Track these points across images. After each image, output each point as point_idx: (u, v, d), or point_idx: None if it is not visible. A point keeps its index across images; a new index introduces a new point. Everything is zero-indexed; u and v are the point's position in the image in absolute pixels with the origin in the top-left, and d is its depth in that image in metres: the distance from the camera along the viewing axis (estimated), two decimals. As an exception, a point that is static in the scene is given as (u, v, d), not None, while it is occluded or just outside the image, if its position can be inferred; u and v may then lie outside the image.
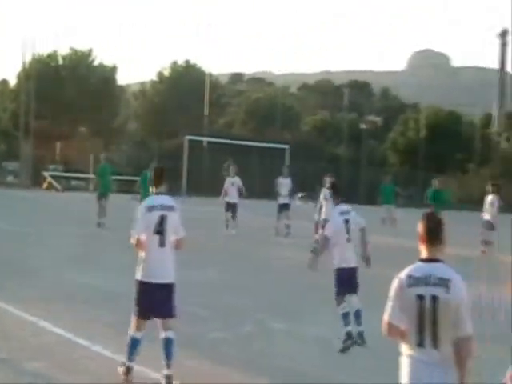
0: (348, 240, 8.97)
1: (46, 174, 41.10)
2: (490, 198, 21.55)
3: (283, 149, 47.79)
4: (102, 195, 20.79)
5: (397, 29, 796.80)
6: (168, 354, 6.63)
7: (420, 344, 4.31)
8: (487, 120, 72.38)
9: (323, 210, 18.00)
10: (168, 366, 6.60)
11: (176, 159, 43.02)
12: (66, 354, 7.59)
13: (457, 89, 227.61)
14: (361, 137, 55.43)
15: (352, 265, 8.98)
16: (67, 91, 48.15)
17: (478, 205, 40.37)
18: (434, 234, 4.47)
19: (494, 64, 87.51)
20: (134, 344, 6.77)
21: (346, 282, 8.90)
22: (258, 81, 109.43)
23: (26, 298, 10.21)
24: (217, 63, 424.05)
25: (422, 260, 4.45)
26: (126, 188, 38.54)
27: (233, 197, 21.79)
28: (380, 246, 21.65)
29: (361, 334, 8.63)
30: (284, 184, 22.24)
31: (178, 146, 46.18)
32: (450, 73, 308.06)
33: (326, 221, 17.66)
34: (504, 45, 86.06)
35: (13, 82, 53.80)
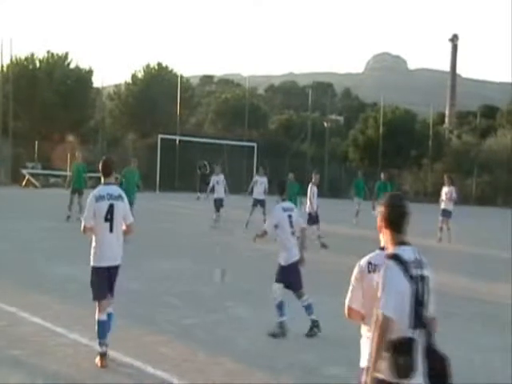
0: (292, 233, 9.01)
1: (24, 171, 40.80)
2: (446, 189, 22.07)
3: (252, 146, 47.78)
4: (76, 191, 21.02)
5: (357, 33, 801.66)
6: (109, 327, 7.04)
7: (379, 327, 4.30)
8: (440, 118, 73.24)
9: (311, 204, 18.28)
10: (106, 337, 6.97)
11: (150, 157, 42.83)
12: (45, 343, 7.51)
13: (412, 89, 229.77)
14: (324, 134, 55.59)
15: (296, 259, 8.94)
16: (44, 93, 47.77)
17: (432, 197, 40.83)
18: (396, 222, 4.46)
19: (446, 67, 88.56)
20: (101, 326, 6.94)
21: (289, 276, 8.83)
22: (227, 82, 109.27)
23: (4, 290, 10.07)
24: (188, 66, 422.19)
25: (381, 248, 4.45)
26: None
27: (220, 193, 22.37)
28: (346, 235, 21.93)
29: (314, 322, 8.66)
30: (260, 182, 22.56)
31: (151, 144, 45.92)
32: (405, 74, 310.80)
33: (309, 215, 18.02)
34: (455, 49, 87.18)
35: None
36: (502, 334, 9.36)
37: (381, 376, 3.93)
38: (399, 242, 4.21)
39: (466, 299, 12.14)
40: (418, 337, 4.00)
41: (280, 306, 8.66)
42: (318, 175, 19.18)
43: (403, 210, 4.32)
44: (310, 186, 18.82)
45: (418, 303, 4.04)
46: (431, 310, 4.14)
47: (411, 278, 4.03)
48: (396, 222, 4.27)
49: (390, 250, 4.19)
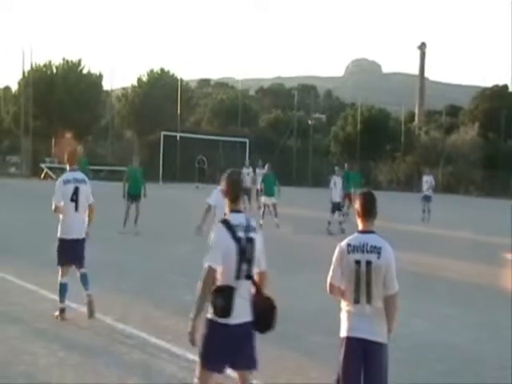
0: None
1: (43, 165, 40.77)
2: (425, 178, 24.36)
3: (244, 142, 47.69)
4: None
5: (337, 41, 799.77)
6: (85, 284, 7.42)
7: (356, 301, 4.35)
8: (410, 117, 73.13)
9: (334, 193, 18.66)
10: (86, 289, 7.42)
11: (153, 152, 42.74)
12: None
13: (386, 91, 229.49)
14: (308, 131, 55.57)
15: None
16: (60, 96, 47.74)
17: (404, 185, 40.98)
18: (369, 210, 4.50)
19: (416, 71, 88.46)
20: (63, 288, 7.38)
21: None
22: (222, 85, 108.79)
23: (26, 271, 10.05)
24: (187, 70, 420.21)
25: (359, 231, 4.48)
26: (110, 176, 38.17)
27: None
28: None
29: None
30: (246, 173, 22.91)
31: (155, 140, 45.78)
32: (380, 78, 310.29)
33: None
34: (423, 55, 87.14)
35: (14, 87, 53.46)
36: (463, 306, 9.44)
37: (209, 316, 4.27)
38: (233, 210, 4.46)
39: (429, 275, 12.20)
40: (241, 286, 4.25)
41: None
42: (341, 170, 20.03)
43: (367, 203, 4.47)
44: (332, 177, 19.00)
45: (243, 259, 4.27)
46: (261, 265, 4.42)
47: (237, 238, 4.26)
48: (232, 194, 4.48)
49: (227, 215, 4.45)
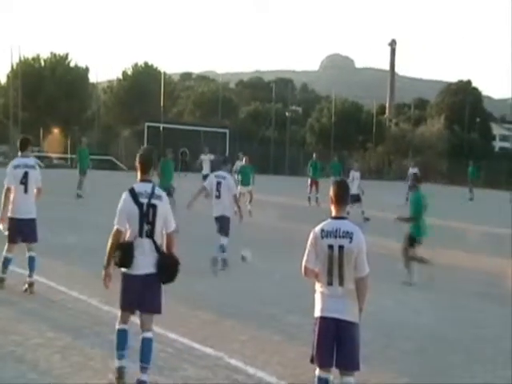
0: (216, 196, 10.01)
1: (31, 154, 40.22)
2: (411, 170, 25.28)
3: (224, 132, 47.54)
4: (83, 172, 20.49)
5: (312, 37, 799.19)
6: (31, 269, 7.65)
7: (329, 283, 4.38)
8: (381, 109, 73.41)
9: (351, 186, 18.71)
10: (30, 276, 7.65)
11: (137, 141, 42.37)
12: (50, 298, 7.47)
13: (358, 85, 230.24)
14: (285, 122, 55.57)
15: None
16: (48, 88, 47.14)
17: (375, 174, 41.17)
18: (341, 198, 4.52)
19: (386, 66, 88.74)
20: (7, 261, 7.70)
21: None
22: (203, 78, 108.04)
23: (17, 256, 9.91)
24: (170, 64, 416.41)
25: (332, 217, 4.49)
26: (96, 165, 37.77)
27: (207, 170, 23.75)
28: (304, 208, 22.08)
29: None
30: (205, 160, 23.92)
31: (139, 131, 45.41)
32: (353, 72, 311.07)
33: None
34: (393, 51, 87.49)
35: (3, 80, 52.67)
36: (428, 288, 9.55)
37: (122, 270, 4.98)
38: (141, 180, 5.01)
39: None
40: (144, 243, 4.87)
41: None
42: (357, 163, 21.54)
43: (340, 190, 4.53)
44: (351, 172, 19.50)
45: (145, 221, 4.88)
46: (168, 227, 4.99)
47: (139, 204, 4.87)
48: (141, 167, 5.03)
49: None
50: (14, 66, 46.18)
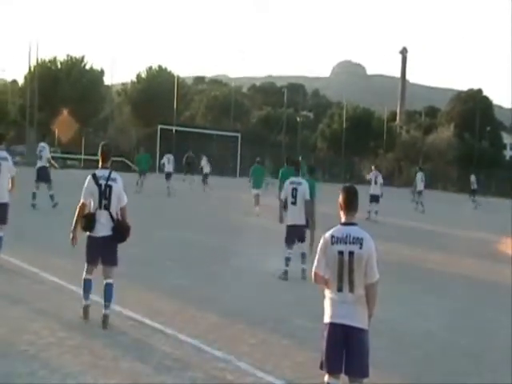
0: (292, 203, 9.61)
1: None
2: (419, 174, 26.03)
3: (236, 136, 47.58)
4: (142, 173, 24.48)
5: (324, 43, 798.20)
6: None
7: (339, 289, 4.34)
8: (392, 116, 73.28)
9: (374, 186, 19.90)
10: None
11: (150, 143, 42.51)
12: (61, 297, 7.47)
13: (370, 92, 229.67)
14: (297, 127, 55.57)
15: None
16: (64, 90, 47.50)
17: (385, 181, 41.04)
18: (351, 204, 4.48)
19: (397, 73, 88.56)
20: None
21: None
22: (216, 82, 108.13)
23: (29, 254, 9.97)
24: (183, 67, 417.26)
25: (342, 224, 4.46)
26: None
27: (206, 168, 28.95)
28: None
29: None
30: (166, 158, 25.67)
31: (152, 133, 45.55)
32: (364, 79, 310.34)
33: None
34: (404, 59, 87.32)
35: (20, 81, 53.14)
36: (439, 295, 9.47)
37: (87, 233, 6.51)
38: (101, 167, 6.55)
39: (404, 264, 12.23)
40: (102, 214, 6.41)
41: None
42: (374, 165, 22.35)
43: (349, 196, 4.50)
44: (373, 173, 20.24)
45: (103, 197, 6.40)
46: (121, 202, 6.48)
47: (99, 184, 6.41)
48: (101, 158, 6.62)
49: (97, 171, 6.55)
50: (32, 69, 46.62)
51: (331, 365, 4.32)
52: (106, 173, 6.50)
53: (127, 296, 7.68)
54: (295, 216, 9.44)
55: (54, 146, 42.96)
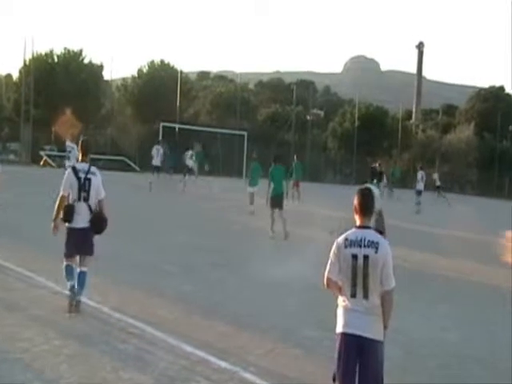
0: None
1: (42, 153, 40.58)
2: (420, 173, 26.65)
3: (242, 135, 47.55)
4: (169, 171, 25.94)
5: (336, 37, 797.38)
6: None
7: (353, 295, 4.31)
8: (407, 115, 73.06)
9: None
10: None
11: (152, 142, 42.52)
12: (57, 303, 7.45)
13: (383, 88, 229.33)
14: (306, 126, 55.54)
15: None
16: (61, 85, 47.51)
17: (399, 183, 40.99)
18: (366, 207, 4.46)
19: (413, 69, 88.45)
20: None
21: None
22: (221, 78, 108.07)
23: (23, 257, 9.99)
24: (187, 62, 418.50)
25: (357, 227, 4.44)
26: (109, 165, 37.97)
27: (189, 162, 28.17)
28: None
29: None
30: (156, 149, 26.36)
31: (153, 131, 45.59)
32: (378, 75, 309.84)
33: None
34: (421, 54, 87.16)
35: (15, 75, 53.21)
36: (456, 303, 9.42)
37: (66, 224, 7.12)
38: (81, 161, 7.30)
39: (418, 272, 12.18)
40: (81, 206, 7.07)
41: None
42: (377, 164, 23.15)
43: (364, 199, 4.46)
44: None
45: (82, 190, 7.09)
46: (100, 195, 7.19)
47: (78, 177, 7.10)
48: (81, 152, 7.42)
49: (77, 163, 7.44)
50: (27, 62, 46.69)
51: (344, 377, 4.29)
52: (85, 166, 7.18)
53: (127, 303, 7.69)
54: None
55: (50, 144, 43.19)
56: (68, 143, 17.93)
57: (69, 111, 41.27)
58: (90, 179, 7.10)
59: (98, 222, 7.10)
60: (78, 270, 7.10)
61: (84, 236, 7.10)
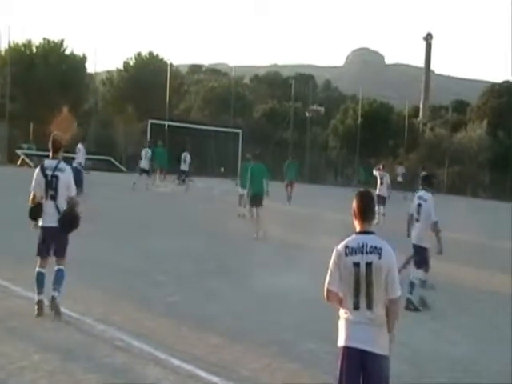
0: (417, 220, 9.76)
1: (19, 152, 40.48)
2: (400, 169, 28.71)
3: (237, 133, 47.56)
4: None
5: (337, 28, 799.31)
6: None
7: (356, 306, 4.30)
8: (414, 111, 73.15)
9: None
10: None
11: (140, 140, 42.52)
12: (34, 315, 7.43)
13: (388, 83, 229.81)
14: (305, 123, 55.60)
15: None
16: (40, 77, 47.34)
17: (405, 186, 41.10)
18: (366, 211, 4.47)
19: (420, 62, 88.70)
20: None
21: None
22: (214, 71, 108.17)
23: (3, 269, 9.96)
24: (178, 55, 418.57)
25: (357, 233, 4.44)
26: (94, 166, 37.89)
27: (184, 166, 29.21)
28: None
29: None
30: (144, 151, 27.08)
31: (142, 128, 45.58)
32: (382, 69, 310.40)
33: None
34: (429, 47, 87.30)
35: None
36: (466, 317, 9.44)
37: (40, 223, 7.40)
38: (51, 157, 7.46)
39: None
40: (48, 204, 7.30)
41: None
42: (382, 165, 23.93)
43: (364, 203, 4.50)
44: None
45: (49, 188, 7.28)
46: (71, 192, 7.38)
47: (45, 175, 7.33)
48: (51, 149, 7.58)
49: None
50: (3, 53, 46.53)
51: (347, 394, 4.29)
52: (53, 163, 7.39)
53: (114, 313, 7.68)
54: (415, 235, 9.76)
55: (28, 143, 43.07)
56: (78, 145, 19.60)
57: (65, 110, 41.30)
58: (57, 176, 7.29)
59: (67, 221, 7.29)
60: (56, 267, 7.37)
61: (54, 236, 7.33)
